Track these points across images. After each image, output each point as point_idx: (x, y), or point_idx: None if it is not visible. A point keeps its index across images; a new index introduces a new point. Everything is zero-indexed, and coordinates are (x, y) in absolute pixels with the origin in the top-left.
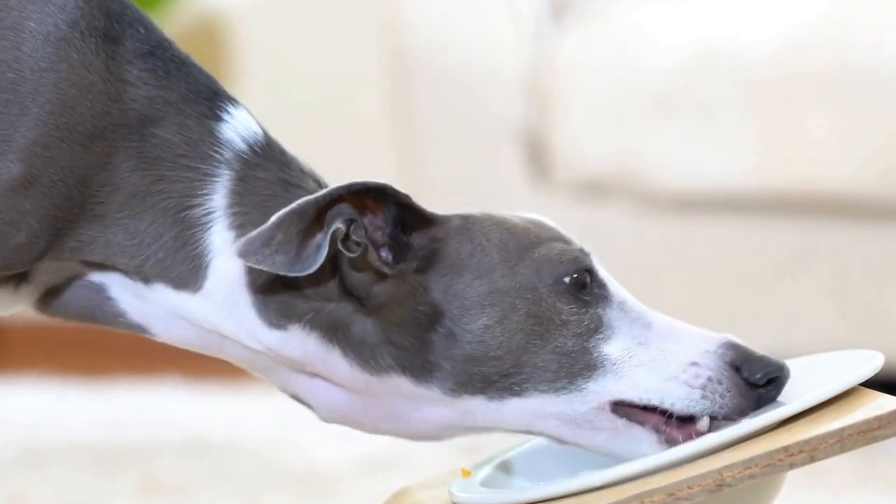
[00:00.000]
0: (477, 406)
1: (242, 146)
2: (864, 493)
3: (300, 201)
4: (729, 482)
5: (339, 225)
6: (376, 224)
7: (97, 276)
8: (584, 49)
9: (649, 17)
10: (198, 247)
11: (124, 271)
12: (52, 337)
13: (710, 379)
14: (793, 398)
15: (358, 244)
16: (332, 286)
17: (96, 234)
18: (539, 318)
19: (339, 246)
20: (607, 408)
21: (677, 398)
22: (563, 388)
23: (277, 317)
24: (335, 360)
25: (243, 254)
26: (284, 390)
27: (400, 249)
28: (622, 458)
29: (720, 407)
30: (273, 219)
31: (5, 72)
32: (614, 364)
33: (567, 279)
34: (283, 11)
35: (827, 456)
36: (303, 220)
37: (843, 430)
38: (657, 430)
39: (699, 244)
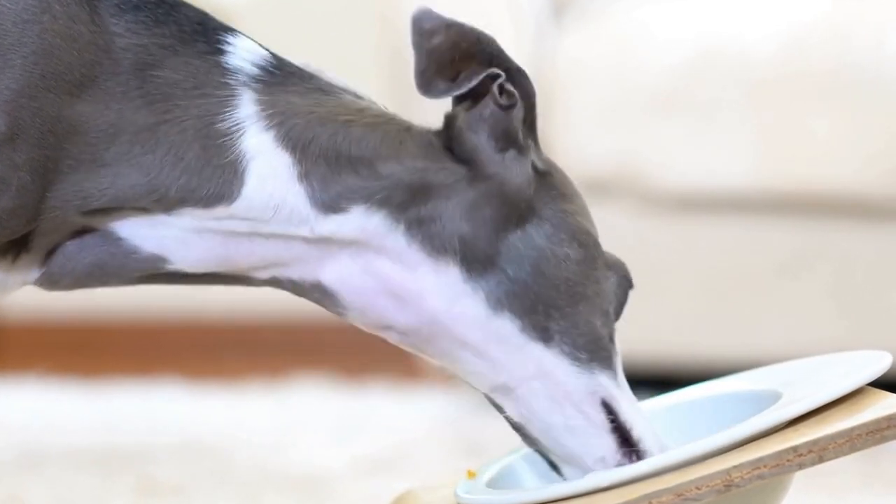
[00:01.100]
0: (507, 331)
1: (254, 70)
2: (866, 495)
3: (471, 26)
4: (737, 482)
5: (493, 70)
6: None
7: (102, 223)
8: (585, 48)
9: (650, 16)
10: (229, 155)
11: (136, 209)
12: (50, 338)
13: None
14: (801, 398)
15: (511, 96)
16: (428, 147)
17: (103, 182)
18: (601, 291)
19: (495, 90)
20: (600, 399)
21: (649, 441)
22: (581, 361)
23: (339, 200)
24: (394, 237)
25: (418, 17)
26: (303, 281)
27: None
28: (568, 454)
29: None
30: (446, 19)
31: None
32: (620, 381)
33: (626, 282)
34: (281, 9)
35: (836, 456)
36: (461, 44)
37: (852, 429)
38: (620, 448)
39: (701, 244)
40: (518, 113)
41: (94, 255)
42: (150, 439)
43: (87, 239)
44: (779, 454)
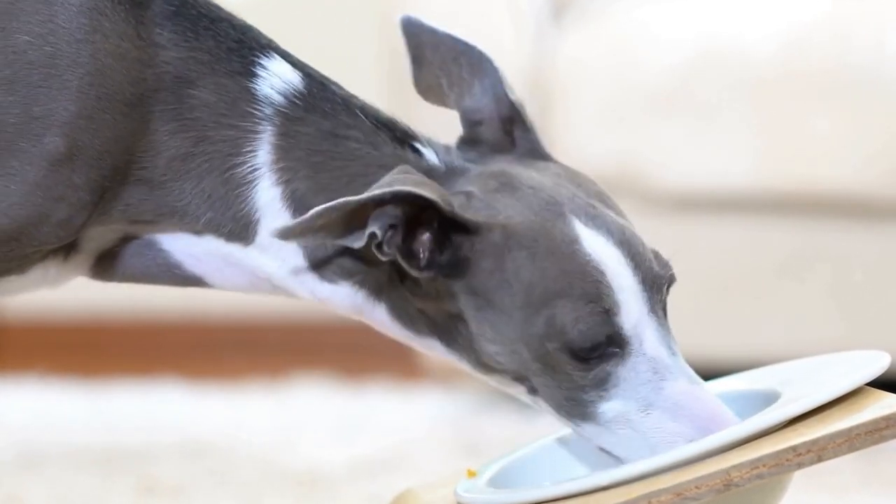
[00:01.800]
0: (502, 381)
1: (280, 100)
2: (865, 495)
3: (341, 201)
4: (737, 482)
5: (375, 230)
6: (420, 224)
7: (148, 234)
8: (585, 48)
9: (651, 15)
10: (245, 205)
11: (174, 228)
12: (50, 338)
13: None
14: (800, 398)
15: (389, 250)
16: (377, 263)
17: (143, 197)
18: (546, 363)
19: (374, 249)
20: (597, 447)
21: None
22: (565, 417)
23: (330, 274)
24: (380, 315)
25: (282, 236)
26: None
27: (439, 247)
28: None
29: None
30: (312, 211)
31: (42, 45)
32: (608, 422)
33: (573, 347)
34: (281, 9)
35: (835, 455)
36: (343, 216)
37: (851, 429)
38: None
39: (701, 243)
40: (400, 261)
41: (142, 264)
42: (150, 439)
43: (136, 247)
44: (778, 454)
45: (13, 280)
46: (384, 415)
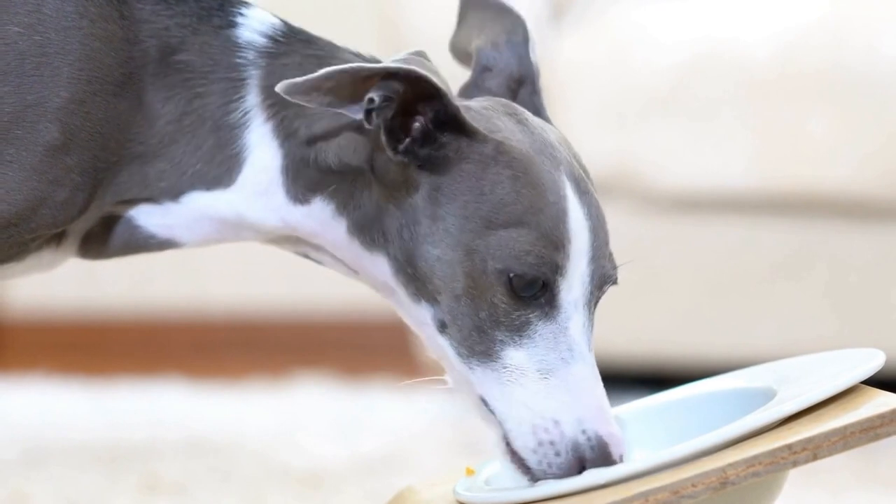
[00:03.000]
0: (425, 320)
1: (263, 41)
2: (862, 493)
3: (355, 64)
4: (733, 480)
5: (374, 96)
6: (418, 110)
7: (125, 212)
8: (585, 49)
9: (649, 17)
10: (235, 147)
11: (152, 199)
12: (54, 337)
13: (551, 443)
14: (795, 396)
15: (377, 119)
16: (357, 153)
17: (133, 174)
18: (476, 285)
19: (362, 116)
20: (478, 394)
21: (519, 435)
22: (462, 356)
23: (304, 192)
24: (340, 232)
25: (287, 91)
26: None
27: (424, 139)
28: None
29: (540, 469)
30: (324, 70)
31: (31, 35)
32: (505, 369)
33: (511, 275)
34: (281, 9)
35: (830, 454)
36: (352, 80)
37: (846, 427)
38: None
39: (698, 243)
40: (380, 134)
41: (121, 240)
42: (153, 437)
43: (114, 227)
44: (773, 452)
45: (10, 266)
46: (385, 413)
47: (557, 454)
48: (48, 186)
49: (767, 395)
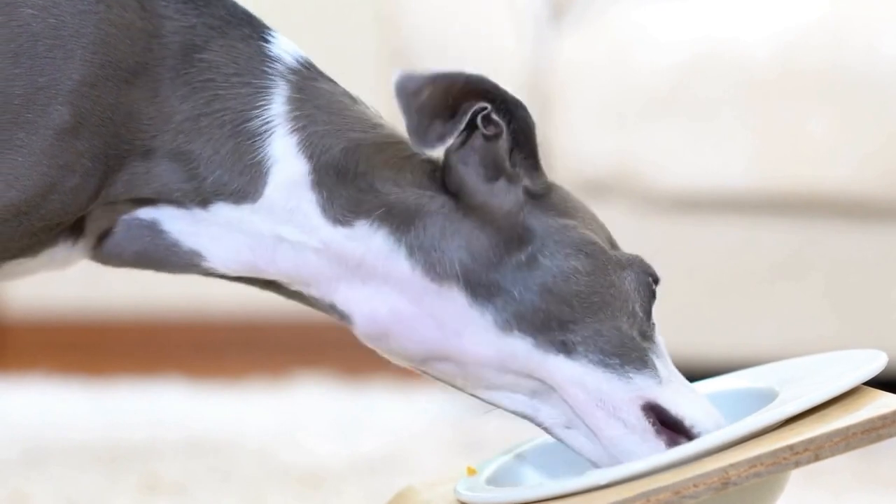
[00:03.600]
0: (521, 349)
1: (293, 62)
2: (863, 494)
3: (457, 70)
4: (734, 480)
5: (485, 104)
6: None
7: (148, 213)
8: (584, 49)
9: (649, 17)
10: (256, 156)
11: (178, 201)
12: (54, 337)
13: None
14: (797, 397)
15: (496, 126)
16: (424, 177)
17: (149, 168)
18: (619, 294)
19: (479, 123)
20: (640, 403)
21: (704, 424)
22: (613, 367)
23: (344, 213)
24: (397, 260)
25: (401, 82)
26: (322, 301)
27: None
28: (613, 458)
29: None
30: (429, 73)
31: (46, 17)
32: (659, 373)
33: (651, 279)
34: (280, 8)
35: (832, 454)
36: (452, 88)
37: (848, 428)
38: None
39: (698, 244)
40: (504, 143)
41: (140, 245)
42: (153, 437)
43: (134, 228)
44: (775, 452)
45: (23, 262)
46: (385, 413)
47: None
48: (58, 172)
49: (769, 396)
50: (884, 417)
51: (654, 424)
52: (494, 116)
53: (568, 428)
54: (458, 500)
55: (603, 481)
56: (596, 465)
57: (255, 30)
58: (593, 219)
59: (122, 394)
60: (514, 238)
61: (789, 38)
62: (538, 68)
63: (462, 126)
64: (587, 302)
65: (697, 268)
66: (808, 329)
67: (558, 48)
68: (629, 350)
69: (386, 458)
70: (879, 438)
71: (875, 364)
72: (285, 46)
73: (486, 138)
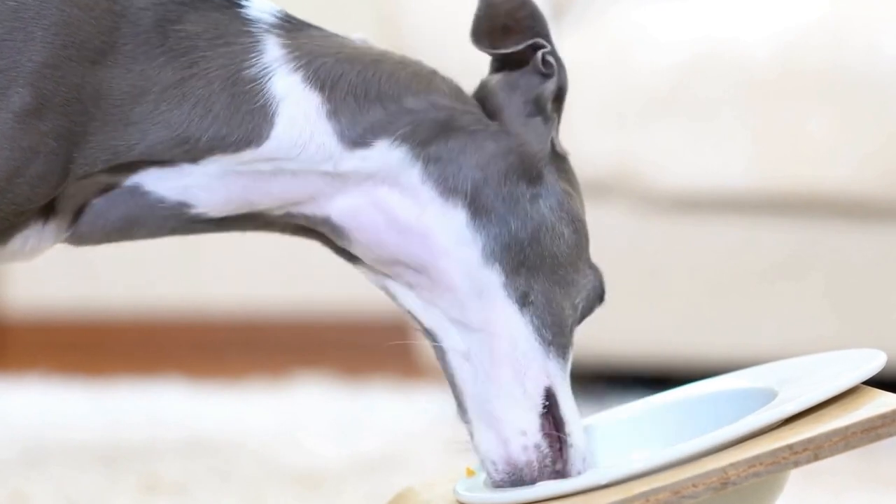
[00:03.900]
0: (492, 285)
1: (273, 19)
2: (863, 493)
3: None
4: (734, 480)
5: (542, 43)
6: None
7: (127, 180)
8: (584, 49)
9: (649, 17)
10: (258, 101)
11: (164, 162)
12: (53, 337)
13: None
14: (796, 396)
15: (550, 67)
16: (454, 93)
17: (132, 139)
18: (578, 282)
19: (539, 56)
20: (546, 384)
21: (577, 438)
22: (545, 340)
23: (365, 135)
24: (410, 172)
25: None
26: (314, 217)
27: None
28: (482, 407)
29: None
30: None
31: (6, 0)
32: (566, 371)
33: (598, 292)
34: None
35: (831, 454)
36: (526, 15)
37: (847, 428)
38: (544, 429)
39: (697, 244)
40: (551, 86)
41: (122, 210)
42: (152, 437)
43: (115, 195)
44: (774, 452)
45: None
46: (385, 413)
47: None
48: (22, 155)
49: (768, 396)
50: (883, 417)
51: (544, 407)
52: (550, 58)
53: (463, 360)
54: (458, 501)
55: (603, 481)
56: (461, 402)
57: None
58: (583, 207)
59: (122, 394)
60: (529, 176)
61: (789, 38)
62: None
63: (520, 48)
64: (558, 268)
65: (697, 268)
66: (808, 329)
67: (558, 48)
68: (561, 333)
69: (386, 459)
70: (879, 438)
71: (874, 363)
72: (262, 4)
73: (542, 75)
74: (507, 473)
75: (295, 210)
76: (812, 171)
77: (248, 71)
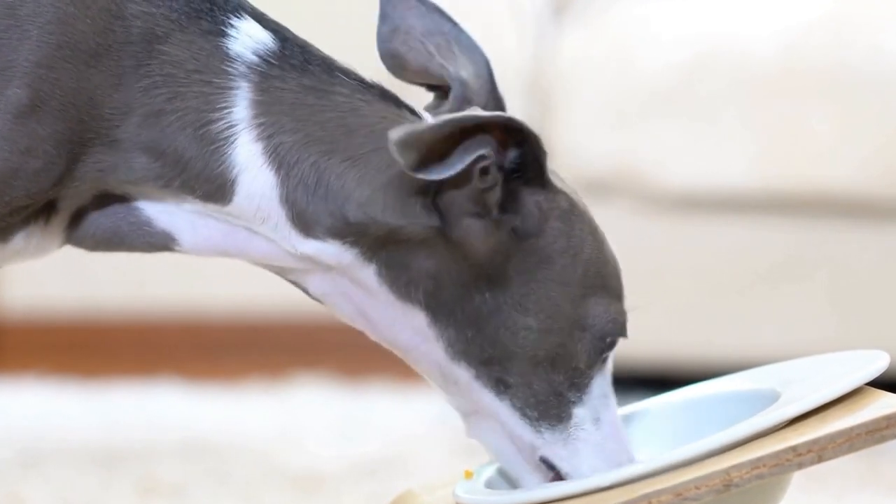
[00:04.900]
0: (462, 378)
1: (254, 59)
2: (866, 495)
3: (460, 115)
4: (736, 482)
5: (484, 152)
6: (502, 163)
7: (123, 192)
8: (586, 47)
9: (651, 15)
10: (222, 163)
11: (151, 191)
12: (49, 338)
13: None
14: (800, 398)
15: (490, 177)
16: (407, 195)
17: (117, 160)
18: (565, 353)
19: (476, 172)
20: (540, 455)
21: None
22: (530, 419)
23: (314, 230)
24: (367, 274)
25: (400, 142)
26: (296, 283)
27: (508, 198)
28: (509, 471)
29: None
30: (431, 122)
31: None
32: (571, 428)
33: (608, 341)
34: (280, 10)
35: (835, 456)
36: (453, 133)
37: (851, 429)
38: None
39: (699, 243)
40: (495, 194)
41: (112, 222)
42: (149, 439)
43: (108, 208)
44: (778, 454)
45: None
46: (384, 415)
47: None
48: (19, 156)
49: (771, 397)
50: (887, 418)
51: (549, 468)
52: (494, 170)
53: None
54: None
55: (604, 483)
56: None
57: (215, 22)
58: (576, 260)
59: (119, 395)
60: (483, 278)
61: (792, 37)
62: (539, 66)
63: (462, 168)
64: (530, 356)
65: (699, 267)
66: (811, 329)
67: (559, 46)
68: (550, 407)
69: (385, 461)
70: (883, 439)
71: (878, 364)
72: (247, 40)
73: (483, 189)
74: None
75: (279, 273)
76: (815, 170)
77: (215, 125)
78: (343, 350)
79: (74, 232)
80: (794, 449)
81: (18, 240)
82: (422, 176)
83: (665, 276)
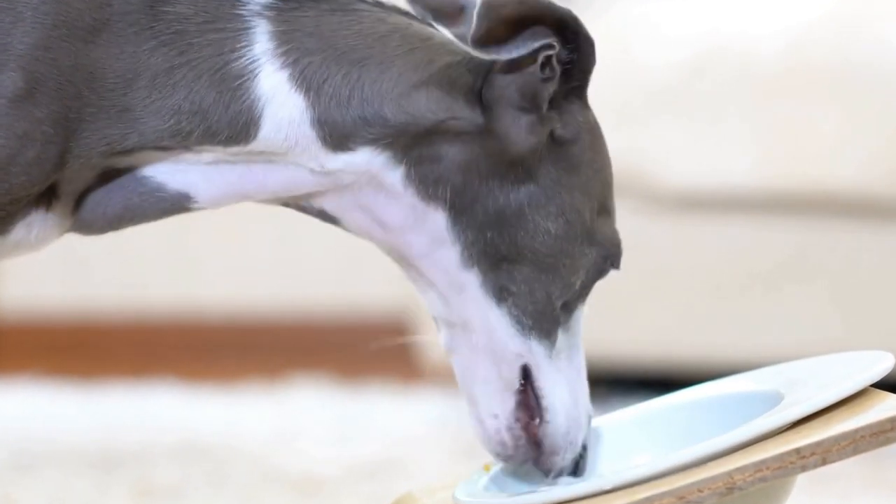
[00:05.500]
0: (469, 285)
1: None
2: (871, 498)
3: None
4: (740, 485)
5: (552, 41)
6: (559, 59)
7: (127, 165)
8: None
9: (654, 13)
10: (245, 101)
11: (160, 148)
12: (45, 339)
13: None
14: (803, 399)
15: (553, 71)
16: (442, 90)
17: (126, 129)
18: (571, 265)
19: (541, 59)
20: (522, 363)
21: (555, 414)
22: (523, 327)
23: (347, 142)
24: (393, 178)
25: (480, 10)
26: (311, 206)
27: (555, 98)
28: (470, 398)
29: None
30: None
31: None
32: (555, 348)
33: (608, 261)
34: None
35: (840, 458)
36: (525, 16)
37: (856, 431)
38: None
39: (703, 242)
40: (551, 87)
41: (122, 197)
42: (146, 441)
43: (114, 183)
44: (781, 456)
45: None
46: (383, 417)
47: (576, 449)
48: (17, 141)
49: (774, 399)
50: (892, 420)
51: (521, 386)
52: (555, 63)
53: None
54: None
55: (608, 485)
56: None
57: None
58: (597, 176)
59: (115, 397)
60: (512, 177)
61: (796, 35)
62: None
63: (526, 53)
64: (540, 261)
65: (701, 267)
66: (814, 330)
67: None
68: (544, 318)
69: (384, 464)
70: (888, 441)
71: (882, 366)
72: None
73: (541, 79)
74: (493, 452)
75: (291, 200)
76: (819, 169)
77: (235, 64)
78: (341, 352)
79: (81, 216)
80: (797, 451)
81: (19, 230)
82: (484, 53)
83: (667, 275)
